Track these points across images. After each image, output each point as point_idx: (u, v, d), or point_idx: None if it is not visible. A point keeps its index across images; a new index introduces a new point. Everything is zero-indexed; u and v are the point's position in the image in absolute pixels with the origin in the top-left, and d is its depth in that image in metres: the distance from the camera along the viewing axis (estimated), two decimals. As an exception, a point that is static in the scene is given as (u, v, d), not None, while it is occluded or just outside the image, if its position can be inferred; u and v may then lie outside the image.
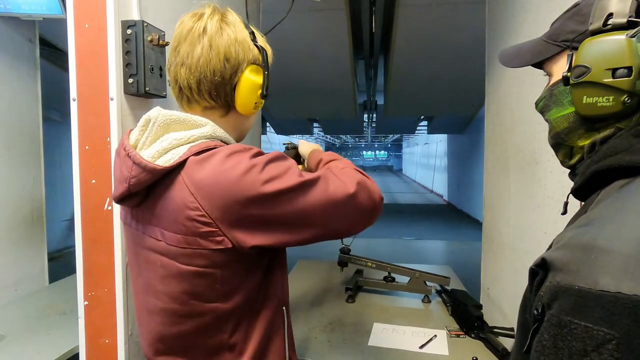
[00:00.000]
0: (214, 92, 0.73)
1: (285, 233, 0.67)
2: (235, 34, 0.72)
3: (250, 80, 0.74)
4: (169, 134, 0.68)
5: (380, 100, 8.83)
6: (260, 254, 0.70)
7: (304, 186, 0.65)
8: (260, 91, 0.76)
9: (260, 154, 0.67)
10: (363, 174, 0.75)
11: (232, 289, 0.69)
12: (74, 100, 0.91)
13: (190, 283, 0.67)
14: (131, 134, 0.72)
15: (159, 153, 0.66)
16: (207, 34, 0.70)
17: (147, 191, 0.69)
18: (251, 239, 0.65)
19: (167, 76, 0.76)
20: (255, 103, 0.77)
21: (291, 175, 0.65)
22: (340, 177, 0.70)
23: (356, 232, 0.74)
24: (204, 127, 0.71)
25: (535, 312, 0.43)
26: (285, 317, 0.79)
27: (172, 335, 0.72)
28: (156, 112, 0.69)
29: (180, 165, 0.65)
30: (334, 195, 0.67)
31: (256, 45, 0.75)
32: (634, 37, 0.48)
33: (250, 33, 0.75)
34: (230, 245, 0.65)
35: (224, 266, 0.67)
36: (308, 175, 0.67)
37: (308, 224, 0.67)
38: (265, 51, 0.77)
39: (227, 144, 0.73)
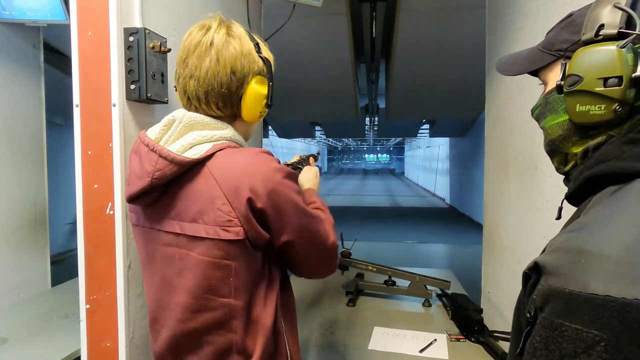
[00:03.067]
0: (221, 103, 0.76)
1: (270, 230, 0.73)
2: (241, 46, 0.76)
3: (256, 91, 0.78)
4: (193, 132, 0.72)
5: (381, 104, 8.84)
6: (270, 249, 0.74)
7: (302, 212, 0.74)
8: (265, 101, 0.80)
9: (279, 162, 0.74)
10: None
11: (244, 284, 0.71)
12: (76, 106, 0.92)
13: (205, 275, 0.70)
14: (149, 133, 0.74)
15: (184, 147, 0.70)
16: (215, 47, 0.73)
17: (165, 187, 0.71)
18: (259, 230, 0.70)
19: (175, 86, 0.79)
20: (260, 112, 0.81)
21: (299, 197, 0.74)
22: (327, 227, 0.81)
23: (303, 275, 0.84)
24: (225, 129, 0.75)
25: (528, 314, 0.44)
26: (292, 318, 0.82)
27: (185, 332, 0.74)
28: (181, 113, 0.73)
29: (205, 159, 0.70)
30: (317, 235, 0.78)
31: (261, 57, 0.79)
32: (623, 47, 0.48)
33: (255, 44, 0.78)
34: (243, 237, 0.68)
35: (238, 258, 0.69)
36: (309, 209, 0.77)
37: (286, 232, 0.74)
38: (270, 62, 0.81)
39: (242, 147, 0.79)
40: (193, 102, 0.76)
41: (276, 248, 0.75)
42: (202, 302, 0.71)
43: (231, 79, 0.74)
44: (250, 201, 0.67)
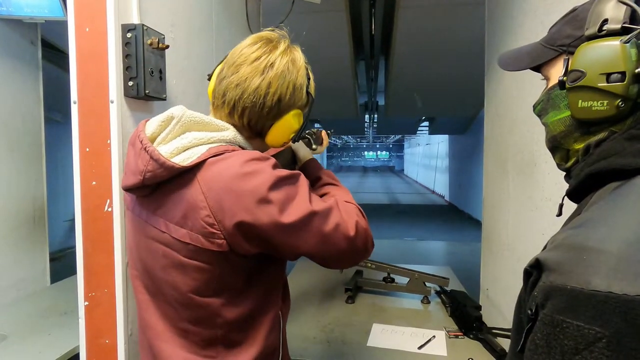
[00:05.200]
0: (254, 121, 0.75)
1: (279, 250, 0.70)
2: (296, 79, 0.76)
3: (290, 123, 0.78)
4: (190, 133, 0.70)
5: (381, 101, 8.83)
6: (258, 259, 0.72)
7: (311, 216, 0.68)
8: (293, 135, 0.80)
9: (276, 166, 0.69)
10: (361, 212, 0.78)
11: (227, 285, 0.71)
12: (74, 102, 0.92)
13: (189, 276, 0.69)
14: (147, 126, 0.71)
15: (178, 150, 0.68)
16: (273, 70, 0.73)
17: (157, 184, 0.70)
18: (249, 248, 0.68)
19: (215, 83, 0.77)
20: (284, 142, 0.81)
21: (301, 201, 0.68)
22: (345, 215, 0.73)
23: (341, 267, 0.80)
24: (225, 131, 0.73)
25: (529, 311, 0.44)
26: (281, 322, 0.81)
27: (173, 317, 0.74)
28: (181, 111, 0.70)
29: (196, 165, 0.67)
30: (335, 233, 0.70)
31: (307, 92, 0.78)
32: (627, 42, 0.48)
33: (307, 79, 0.78)
34: (227, 249, 0.67)
35: (223, 266, 0.69)
36: (316, 205, 0.69)
37: (303, 248, 0.70)
38: (313, 101, 0.81)
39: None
40: (224, 108, 0.75)
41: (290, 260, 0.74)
42: (186, 298, 0.71)
43: (274, 105, 0.74)
44: (234, 218, 0.64)
